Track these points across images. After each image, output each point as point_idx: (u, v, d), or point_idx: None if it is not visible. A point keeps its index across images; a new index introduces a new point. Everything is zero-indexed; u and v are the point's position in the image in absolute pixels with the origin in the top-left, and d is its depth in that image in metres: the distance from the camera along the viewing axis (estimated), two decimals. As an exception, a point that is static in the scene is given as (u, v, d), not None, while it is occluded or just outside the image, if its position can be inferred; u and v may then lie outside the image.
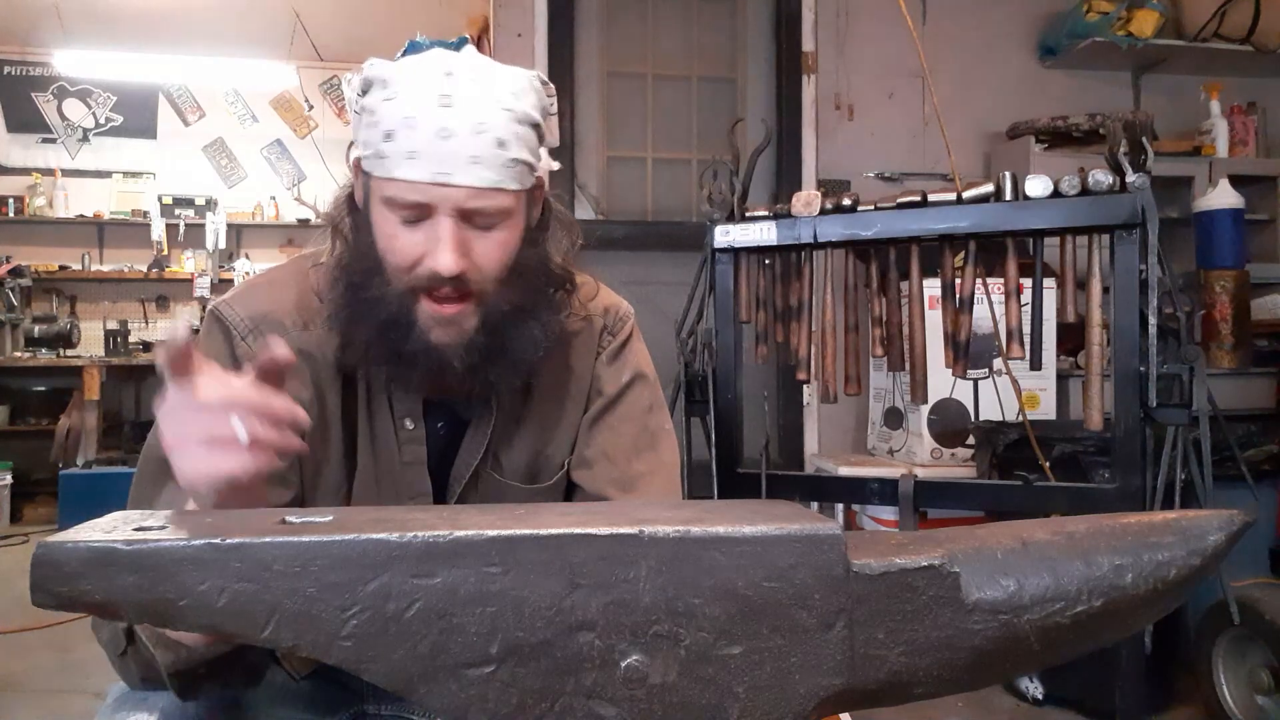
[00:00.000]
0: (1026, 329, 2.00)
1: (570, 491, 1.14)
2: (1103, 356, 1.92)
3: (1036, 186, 1.95)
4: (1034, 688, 2.37)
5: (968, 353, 2.03)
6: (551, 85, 1.03)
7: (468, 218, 0.94)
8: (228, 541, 0.57)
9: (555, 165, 1.07)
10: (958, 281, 2.03)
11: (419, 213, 0.93)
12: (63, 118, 6.16)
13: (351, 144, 1.00)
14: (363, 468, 1.05)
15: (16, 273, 5.44)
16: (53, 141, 6.15)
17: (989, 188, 1.99)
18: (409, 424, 1.05)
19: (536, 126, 0.97)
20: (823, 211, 2.12)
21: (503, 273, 0.97)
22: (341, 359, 1.02)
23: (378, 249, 0.97)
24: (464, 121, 0.91)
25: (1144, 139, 1.86)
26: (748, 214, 2.23)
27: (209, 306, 1.06)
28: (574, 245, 1.11)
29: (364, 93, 0.96)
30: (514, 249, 0.98)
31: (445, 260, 0.92)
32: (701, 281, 2.30)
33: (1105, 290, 1.92)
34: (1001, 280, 2.00)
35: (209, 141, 6.35)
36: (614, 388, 1.13)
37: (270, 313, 1.02)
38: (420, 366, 0.97)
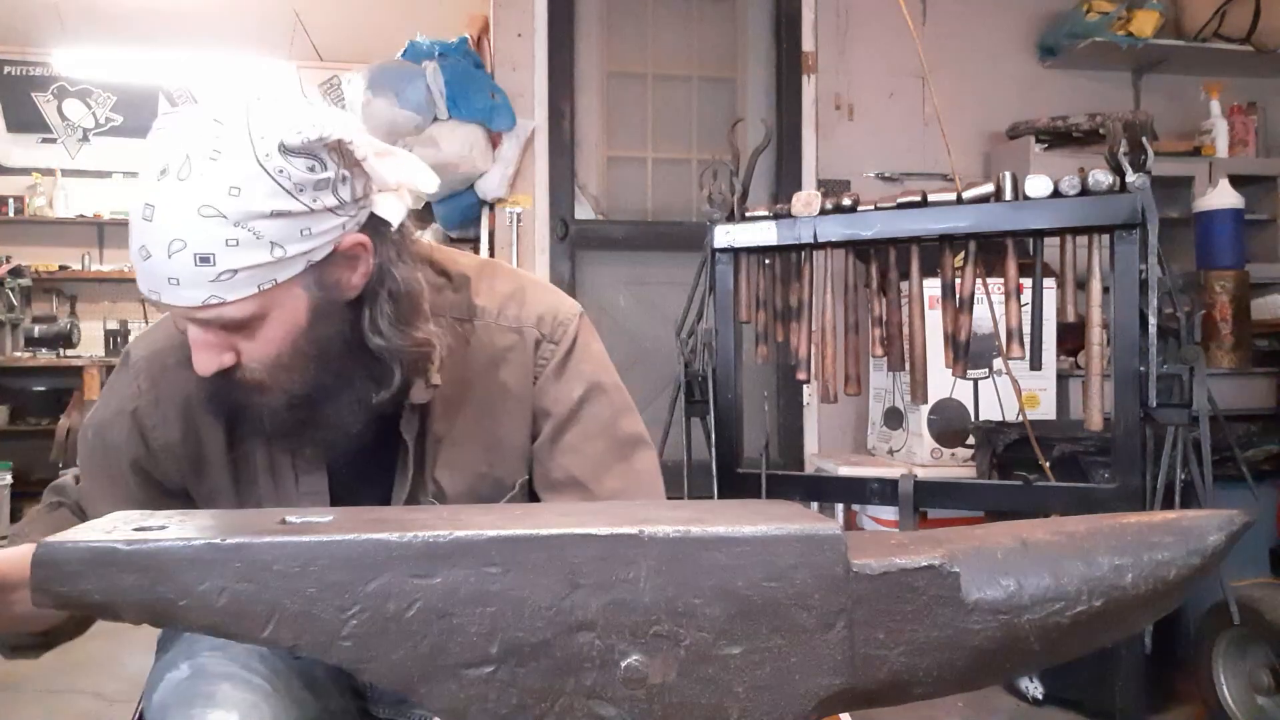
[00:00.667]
0: (1026, 329, 2.00)
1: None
2: (1103, 356, 1.92)
3: (1036, 186, 1.95)
4: (1034, 688, 2.37)
5: (968, 353, 2.03)
6: (344, 138, 0.87)
7: (220, 326, 0.88)
8: (228, 541, 0.57)
9: (408, 208, 0.97)
10: (958, 281, 2.02)
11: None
12: (63, 118, 6.16)
13: None
14: (265, 497, 1.03)
15: (16, 273, 5.44)
16: (53, 141, 6.15)
17: (989, 188, 1.99)
18: (308, 451, 1.00)
19: (281, 214, 0.84)
20: (823, 211, 2.12)
21: (282, 361, 0.91)
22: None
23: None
24: (159, 239, 0.83)
25: (1144, 139, 1.86)
26: (748, 214, 2.22)
27: (129, 344, 1.11)
28: (421, 296, 0.98)
29: None
30: (286, 340, 0.90)
31: (199, 364, 0.90)
32: (701, 281, 2.30)
33: (1105, 290, 1.92)
34: (1001, 280, 2.00)
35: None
36: (565, 406, 1.04)
37: (160, 351, 1.04)
38: (253, 421, 0.95)
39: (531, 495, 1.08)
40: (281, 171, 0.84)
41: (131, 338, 5.66)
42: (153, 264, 0.84)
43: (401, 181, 0.95)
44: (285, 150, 0.84)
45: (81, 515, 1.07)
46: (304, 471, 1.03)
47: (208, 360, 0.89)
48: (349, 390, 0.94)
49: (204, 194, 0.82)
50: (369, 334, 0.94)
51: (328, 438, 0.96)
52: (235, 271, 0.84)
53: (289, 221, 0.85)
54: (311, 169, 0.86)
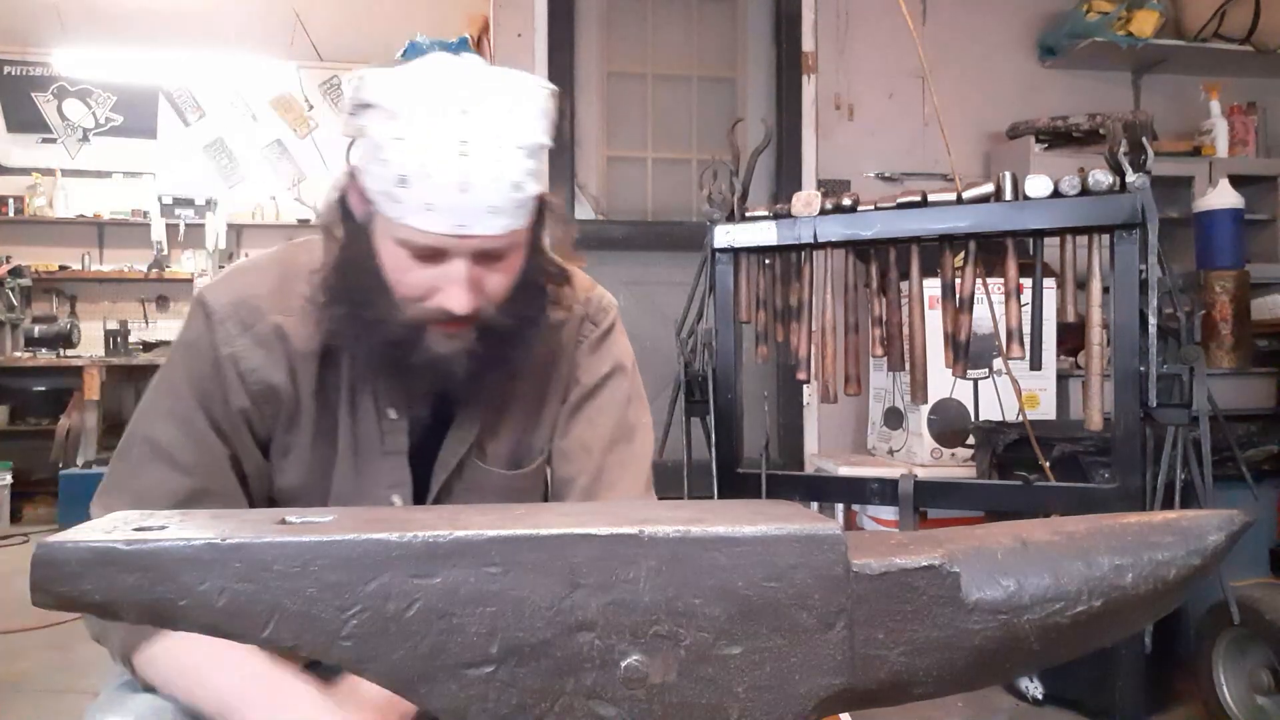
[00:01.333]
0: (1026, 329, 2.00)
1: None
2: (1103, 356, 1.92)
3: (1036, 186, 1.95)
4: (1034, 688, 2.37)
5: (968, 353, 2.03)
6: (554, 88, 1.00)
7: (482, 258, 0.94)
8: (228, 541, 0.57)
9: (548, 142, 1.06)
10: (958, 281, 2.02)
11: (433, 254, 0.93)
12: (63, 118, 6.16)
13: (351, 145, 0.98)
14: (342, 454, 1.05)
15: (16, 273, 5.44)
16: (53, 141, 6.15)
17: (989, 188, 1.99)
18: (392, 414, 1.06)
19: (544, 149, 0.96)
20: (823, 211, 2.12)
21: (505, 296, 0.98)
22: (321, 338, 1.02)
23: (382, 274, 0.96)
24: (482, 172, 0.88)
25: (1144, 139, 1.86)
26: (748, 214, 2.22)
27: (196, 292, 1.07)
28: (567, 235, 1.11)
29: (358, 109, 0.92)
30: (517, 273, 0.99)
31: (460, 301, 0.93)
32: (701, 281, 2.30)
33: (1105, 290, 1.92)
34: (1001, 280, 2.00)
35: (209, 141, 6.35)
36: (592, 378, 1.14)
37: (249, 298, 1.02)
38: (424, 377, 0.98)
39: None
40: (549, 106, 0.95)
41: (132, 338, 5.69)
42: (473, 196, 0.88)
43: None
44: (547, 89, 0.95)
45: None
46: (387, 431, 1.05)
47: (469, 300, 0.93)
48: (533, 323, 1.02)
49: (515, 129, 0.91)
50: (547, 264, 1.05)
51: (503, 377, 1.01)
52: (530, 198, 0.93)
53: (545, 154, 0.96)
54: (555, 104, 0.97)
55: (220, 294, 1.03)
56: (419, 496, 1.08)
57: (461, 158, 0.88)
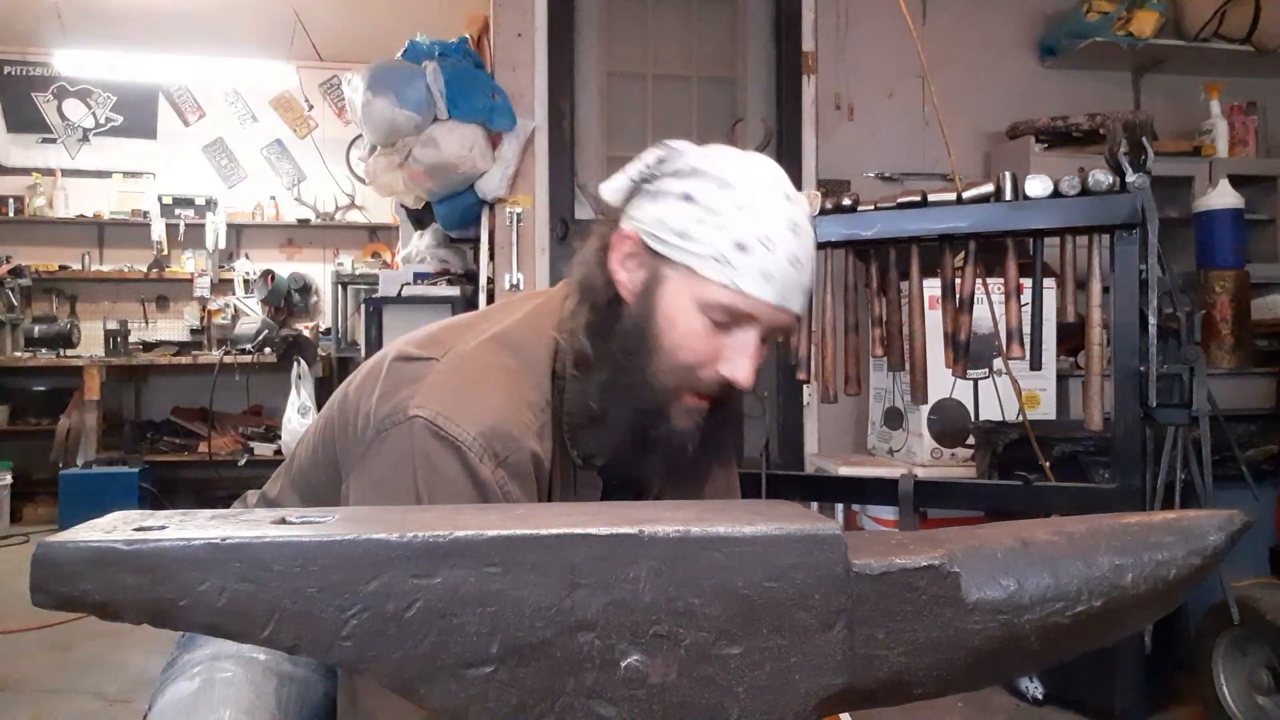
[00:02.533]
0: (1026, 329, 2.00)
1: None
2: (1103, 356, 1.92)
3: (1036, 186, 1.94)
4: (1034, 688, 2.37)
5: (968, 353, 2.03)
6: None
7: (765, 337, 0.96)
8: (228, 541, 0.57)
9: None
10: (958, 281, 2.02)
11: (736, 322, 0.93)
12: (63, 118, 6.16)
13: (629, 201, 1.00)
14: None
15: (16, 273, 5.45)
16: (53, 141, 6.15)
17: (989, 188, 1.99)
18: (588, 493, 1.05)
19: None
20: (823, 211, 2.12)
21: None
22: (580, 451, 0.99)
23: (657, 335, 0.94)
24: (807, 253, 0.95)
25: (1144, 139, 1.86)
26: (748, 214, 2.22)
27: (416, 420, 0.88)
28: None
29: (681, 174, 0.96)
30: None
31: (745, 373, 0.94)
32: (701, 281, 2.30)
33: (1105, 290, 1.92)
34: (1001, 280, 2.00)
35: (209, 141, 6.35)
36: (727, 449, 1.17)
37: (500, 427, 0.90)
38: (660, 452, 0.96)
39: None
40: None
41: (132, 338, 5.69)
42: (801, 273, 0.94)
43: None
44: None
45: None
46: (583, 484, 1.05)
47: (753, 374, 0.95)
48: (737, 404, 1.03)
49: (809, 217, 0.98)
50: None
51: (712, 455, 1.02)
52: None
53: None
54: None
55: (464, 423, 0.88)
56: None
57: (794, 236, 0.94)
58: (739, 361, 0.93)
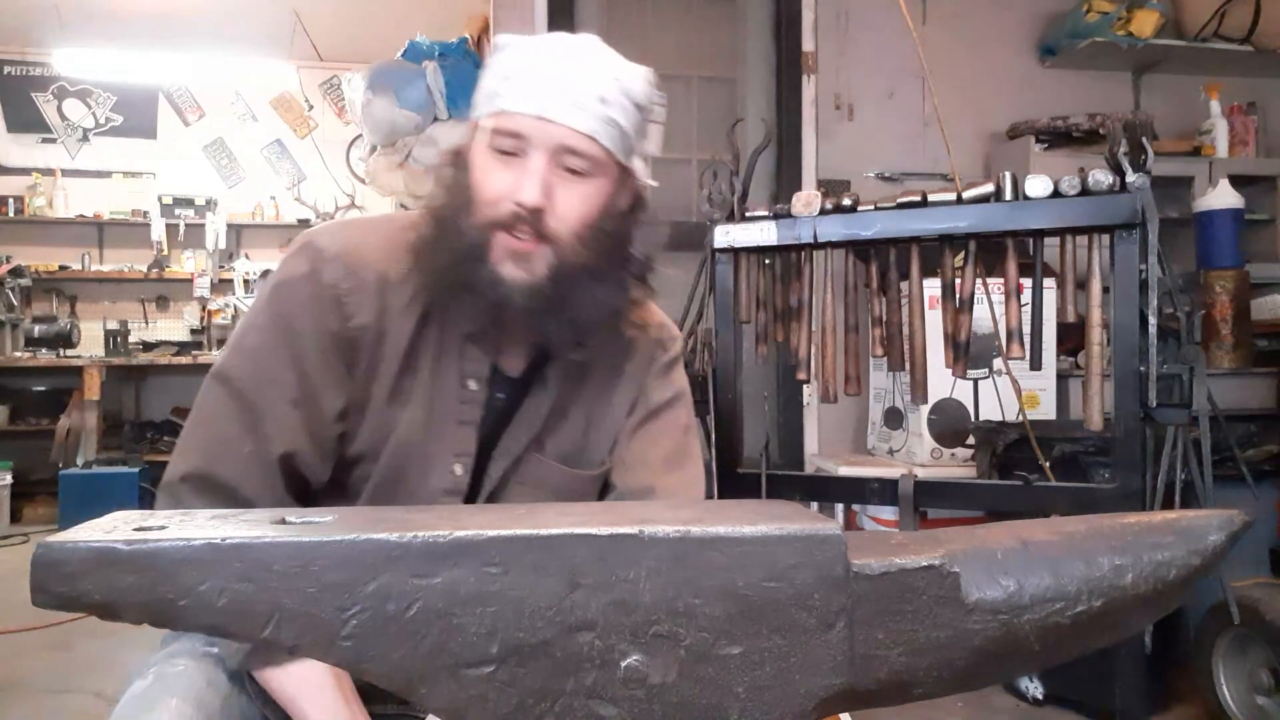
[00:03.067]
0: (1026, 329, 2.00)
1: (603, 492, 1.19)
2: (1103, 356, 1.92)
3: (1036, 186, 1.95)
4: (1034, 688, 2.37)
5: (968, 353, 2.03)
6: (661, 95, 1.11)
7: (558, 160, 0.99)
8: (228, 541, 0.57)
9: (653, 183, 1.13)
10: (958, 281, 2.03)
11: (515, 145, 0.99)
12: (63, 118, 6.16)
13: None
14: (415, 415, 1.07)
15: (16, 273, 5.44)
16: (53, 141, 6.15)
17: (989, 188, 1.99)
18: (472, 385, 1.09)
19: (639, 109, 1.04)
20: (823, 211, 2.12)
21: (581, 227, 1.01)
22: (422, 297, 1.06)
23: (471, 187, 1.02)
24: (573, 73, 0.99)
25: (1144, 139, 1.86)
26: (748, 214, 2.23)
27: (302, 235, 1.08)
28: (656, 255, 1.15)
29: (491, 60, 1.04)
30: (596, 207, 1.02)
31: (529, 191, 0.97)
32: (701, 281, 2.30)
33: (1105, 290, 1.92)
34: (1001, 280, 2.00)
35: (209, 141, 6.35)
36: (659, 400, 1.18)
37: (359, 246, 1.06)
38: (485, 297, 1.00)
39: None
40: (648, 85, 1.06)
41: (132, 338, 5.69)
42: (562, 87, 0.98)
43: (650, 153, 1.12)
44: (651, 78, 1.07)
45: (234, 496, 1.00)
46: (464, 401, 1.09)
47: (539, 192, 0.98)
48: (600, 286, 1.04)
49: (609, 63, 1.02)
50: (632, 246, 1.09)
51: (554, 329, 1.04)
52: (614, 123, 1.01)
53: (638, 121, 1.04)
54: (657, 98, 1.09)
55: (328, 238, 1.07)
56: (476, 482, 1.11)
57: (558, 61, 1.00)
58: (524, 183, 0.98)
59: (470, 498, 1.10)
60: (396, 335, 1.05)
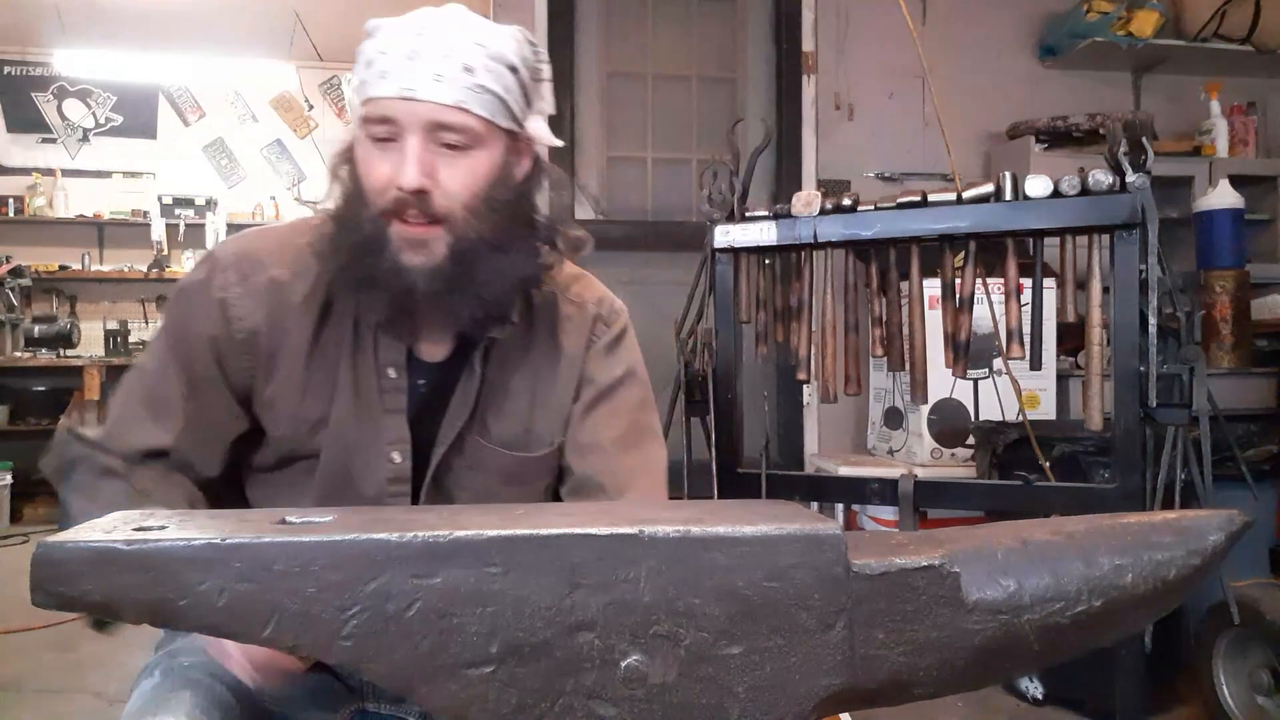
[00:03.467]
0: (1026, 329, 2.00)
1: (561, 475, 1.17)
2: (1103, 356, 1.92)
3: (1036, 186, 1.95)
4: (1034, 688, 2.37)
5: (968, 353, 2.03)
6: (541, 49, 1.07)
7: (434, 139, 0.97)
8: (228, 541, 0.57)
9: (557, 141, 1.11)
10: (958, 281, 2.02)
11: (389, 130, 0.98)
12: (63, 118, 6.16)
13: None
14: (341, 405, 1.08)
15: (16, 273, 5.44)
16: (53, 141, 6.14)
17: (989, 188, 1.99)
18: (391, 373, 1.08)
19: (514, 70, 1.01)
20: (823, 211, 2.12)
21: (472, 201, 1.00)
22: (322, 293, 1.06)
23: (359, 179, 1.01)
24: (432, 46, 0.97)
25: (1144, 139, 1.86)
26: (748, 214, 2.22)
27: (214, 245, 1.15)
28: (570, 214, 1.16)
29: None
30: (484, 178, 1.01)
31: (408, 174, 0.96)
32: (701, 281, 2.30)
33: (1105, 290, 1.92)
34: (1001, 280, 2.00)
35: (209, 141, 6.35)
36: (607, 379, 1.16)
37: (253, 251, 1.09)
38: (389, 289, 1.00)
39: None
40: (521, 44, 1.03)
41: (132, 338, 5.69)
42: (421, 63, 0.96)
43: (545, 113, 1.09)
44: (524, 35, 1.04)
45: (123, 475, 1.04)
46: (386, 390, 1.09)
47: (418, 174, 0.96)
48: (504, 258, 1.03)
49: (471, 30, 1.00)
50: (533, 212, 1.08)
51: (463, 307, 1.02)
52: (484, 89, 0.98)
53: (515, 83, 1.02)
54: (540, 63, 1.06)
55: (228, 246, 1.11)
56: (419, 469, 1.10)
57: (416, 36, 0.97)
58: (403, 168, 0.97)
59: (416, 484, 1.10)
60: (297, 333, 1.06)
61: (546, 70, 1.08)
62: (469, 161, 0.99)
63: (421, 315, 1.04)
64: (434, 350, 1.10)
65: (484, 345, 1.09)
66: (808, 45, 3.89)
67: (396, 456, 1.09)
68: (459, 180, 0.99)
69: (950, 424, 2.99)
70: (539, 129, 1.08)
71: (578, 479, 1.15)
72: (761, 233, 2.18)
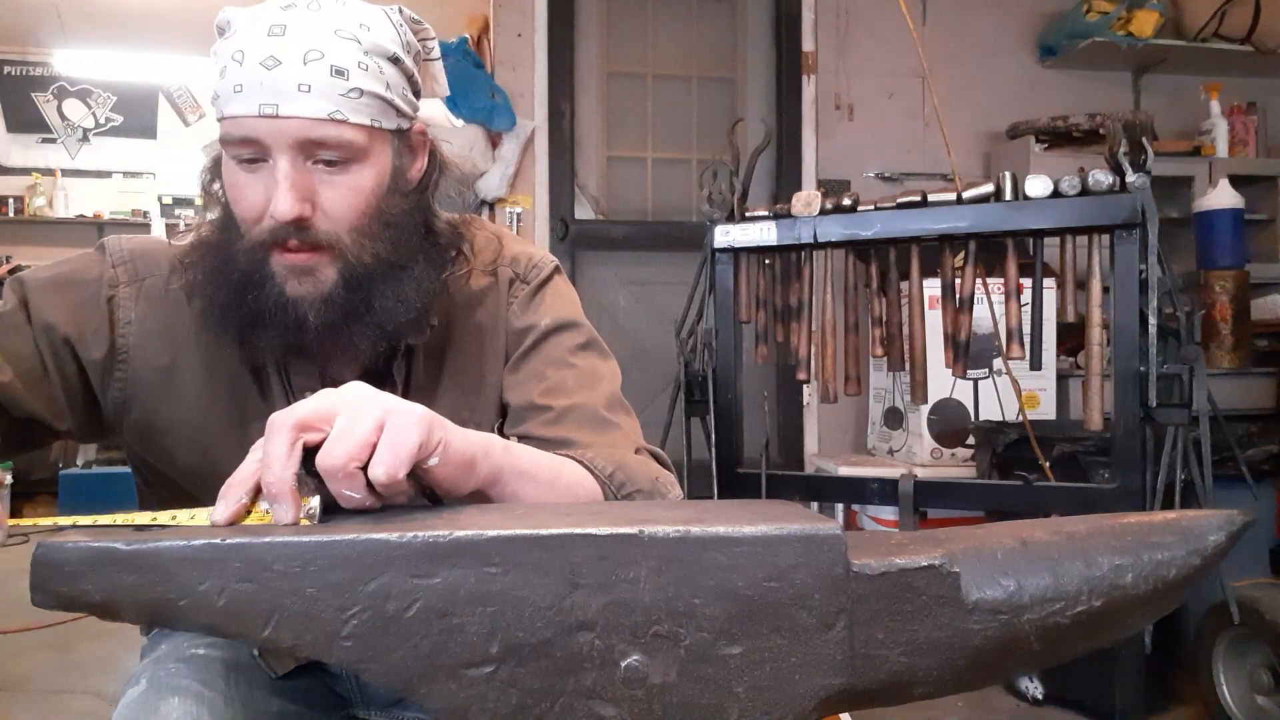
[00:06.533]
0: (1026, 329, 2.00)
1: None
2: (1103, 356, 1.93)
3: (1036, 186, 1.95)
4: (1034, 688, 2.37)
5: (968, 353, 2.03)
6: (427, 27, 0.95)
7: (309, 156, 0.86)
8: (228, 541, 0.57)
9: (456, 122, 1.03)
10: (958, 281, 2.03)
11: (254, 151, 0.86)
12: (63, 118, 6.16)
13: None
14: (256, 436, 0.99)
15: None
16: (53, 141, 6.15)
17: (989, 188, 1.99)
18: (308, 395, 1.00)
19: (396, 61, 0.89)
20: (823, 211, 2.12)
21: (361, 221, 0.89)
22: (202, 323, 0.94)
23: (229, 206, 0.91)
24: (293, 48, 0.83)
25: (1144, 139, 1.87)
26: (748, 214, 2.23)
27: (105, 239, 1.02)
28: (466, 204, 1.04)
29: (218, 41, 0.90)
30: (371, 194, 0.89)
31: (281, 203, 0.84)
32: (701, 281, 2.30)
33: (1105, 290, 1.92)
34: (1001, 280, 2.00)
35: (209, 141, 6.35)
36: (531, 335, 1.03)
37: (154, 252, 0.99)
38: (276, 324, 0.88)
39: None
40: (401, 26, 0.91)
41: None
42: (282, 72, 0.83)
43: (439, 95, 1.00)
44: (402, 14, 0.92)
45: None
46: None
47: (292, 201, 0.84)
48: (406, 273, 0.92)
49: (339, 20, 0.86)
50: (433, 216, 0.98)
51: (364, 337, 0.91)
52: (362, 93, 0.85)
53: (399, 75, 0.90)
54: (425, 43, 0.95)
55: (125, 241, 1.00)
56: None
57: (272, 38, 0.84)
58: (275, 195, 0.84)
59: None
60: (192, 351, 0.96)
61: (435, 47, 0.96)
62: (351, 179, 0.87)
63: (319, 350, 0.92)
64: (349, 369, 0.96)
65: (402, 353, 0.99)
66: (808, 45, 3.89)
67: None
68: (342, 202, 0.87)
69: (950, 424, 2.98)
70: (432, 114, 1.00)
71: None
72: (761, 233, 2.18)
